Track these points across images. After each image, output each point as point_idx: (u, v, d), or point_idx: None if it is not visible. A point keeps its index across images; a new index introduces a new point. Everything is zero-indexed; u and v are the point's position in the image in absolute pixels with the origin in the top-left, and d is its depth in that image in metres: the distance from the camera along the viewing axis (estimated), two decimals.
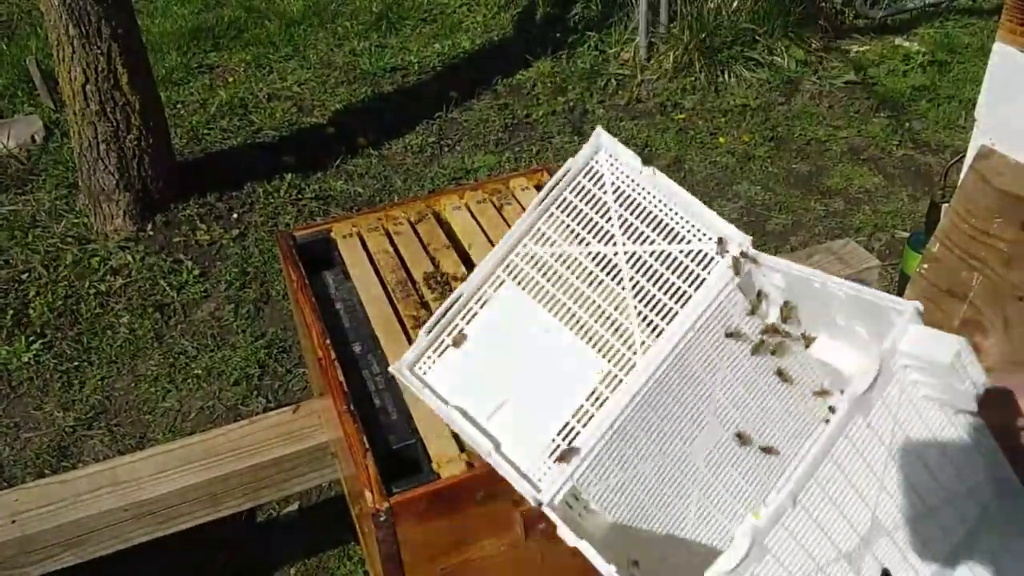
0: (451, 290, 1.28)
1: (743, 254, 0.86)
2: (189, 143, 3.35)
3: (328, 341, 1.17)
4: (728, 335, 0.85)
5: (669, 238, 0.89)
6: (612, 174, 0.92)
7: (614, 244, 0.89)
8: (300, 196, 3.05)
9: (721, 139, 3.29)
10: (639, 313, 0.87)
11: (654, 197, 0.91)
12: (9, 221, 2.95)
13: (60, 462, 2.17)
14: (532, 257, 0.91)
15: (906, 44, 3.83)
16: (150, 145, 2.82)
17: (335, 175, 3.18)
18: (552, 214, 0.91)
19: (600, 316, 0.87)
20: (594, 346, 0.86)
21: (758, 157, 3.20)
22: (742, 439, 0.84)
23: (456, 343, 0.87)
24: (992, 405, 0.69)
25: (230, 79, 3.80)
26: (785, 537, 0.66)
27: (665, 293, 0.86)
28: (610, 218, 0.90)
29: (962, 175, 1.97)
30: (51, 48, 2.71)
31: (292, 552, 1.94)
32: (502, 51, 3.94)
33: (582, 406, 0.83)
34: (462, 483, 0.99)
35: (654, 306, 0.86)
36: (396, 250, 1.37)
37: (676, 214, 0.89)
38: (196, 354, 2.45)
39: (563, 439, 0.82)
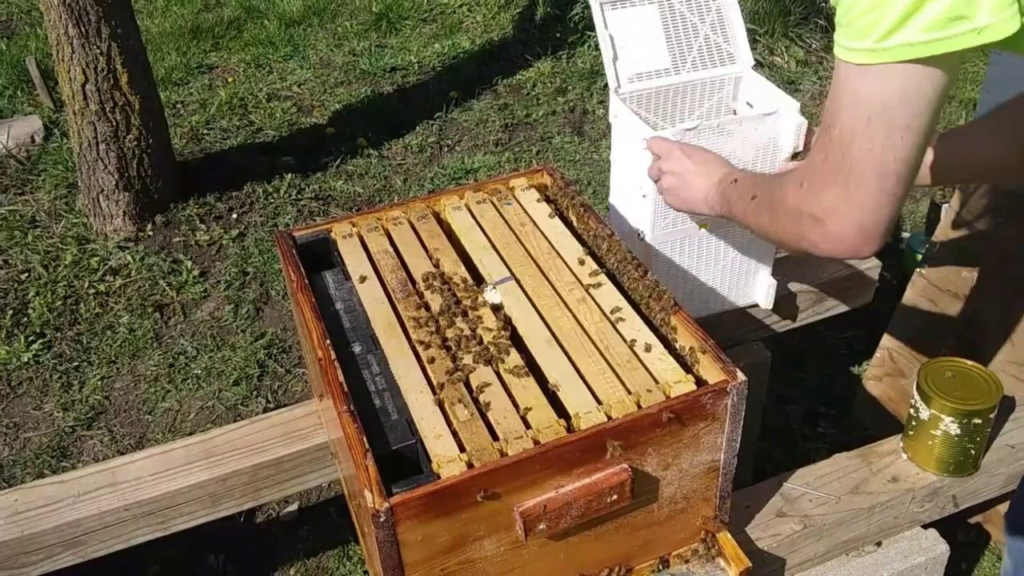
0: (451, 290, 1.28)
1: None
2: (189, 143, 3.35)
3: (328, 341, 1.17)
4: None
5: None
6: None
7: None
8: (300, 196, 3.05)
9: None
10: None
11: None
12: (8, 221, 2.94)
13: (60, 462, 2.17)
14: None
15: None
16: (150, 145, 2.82)
17: (335, 175, 3.18)
18: None
19: None
20: None
21: None
22: None
23: None
24: None
25: (230, 79, 3.79)
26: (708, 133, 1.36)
27: None
28: None
29: None
30: (50, 48, 2.71)
31: (292, 552, 1.94)
32: (502, 51, 3.94)
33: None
34: (462, 483, 0.99)
35: None
36: (396, 250, 1.37)
37: None
38: (196, 354, 2.45)
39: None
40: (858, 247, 1.00)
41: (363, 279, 1.31)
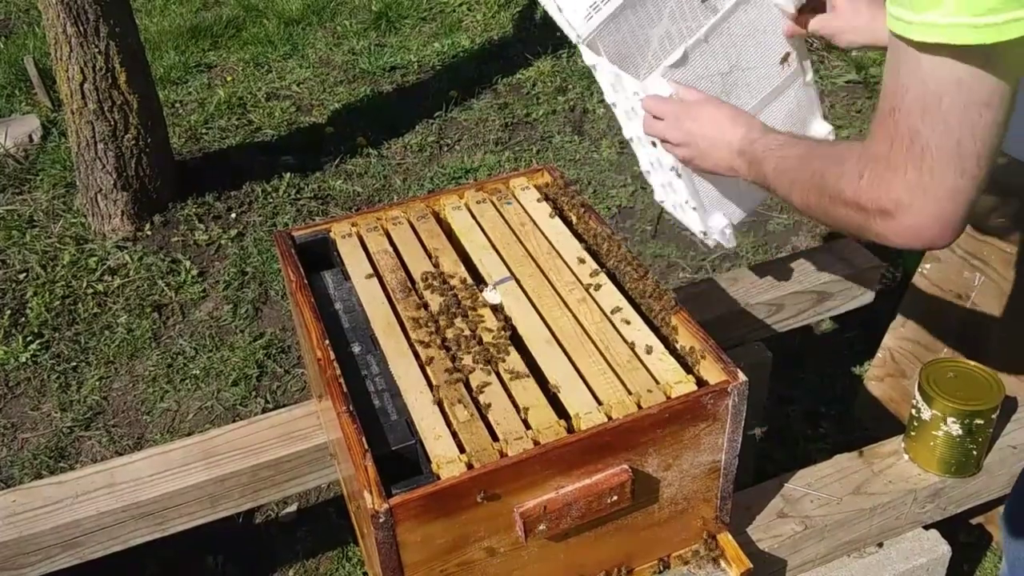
0: (451, 290, 1.27)
1: None
2: (187, 142, 3.34)
3: (327, 342, 1.16)
4: None
5: None
6: None
7: None
8: (299, 196, 3.04)
9: None
10: None
11: None
12: (6, 221, 2.94)
13: (58, 463, 2.16)
14: None
15: None
16: (148, 144, 2.81)
17: (334, 174, 3.17)
18: None
19: None
20: None
21: None
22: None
23: None
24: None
25: (228, 78, 3.79)
26: (699, 57, 1.25)
27: None
28: None
29: None
30: (49, 47, 2.70)
31: (291, 553, 1.93)
32: (502, 50, 3.93)
33: None
34: (462, 484, 0.98)
35: None
36: (396, 250, 1.37)
37: None
38: (194, 354, 2.44)
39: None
40: (937, 239, 0.90)
41: (362, 279, 1.30)
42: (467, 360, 1.15)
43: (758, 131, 1.18)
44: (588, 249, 1.34)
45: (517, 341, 1.19)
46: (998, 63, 0.78)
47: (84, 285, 2.67)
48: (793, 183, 1.08)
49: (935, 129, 0.82)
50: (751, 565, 1.18)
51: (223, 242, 2.83)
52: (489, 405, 1.08)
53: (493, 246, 1.36)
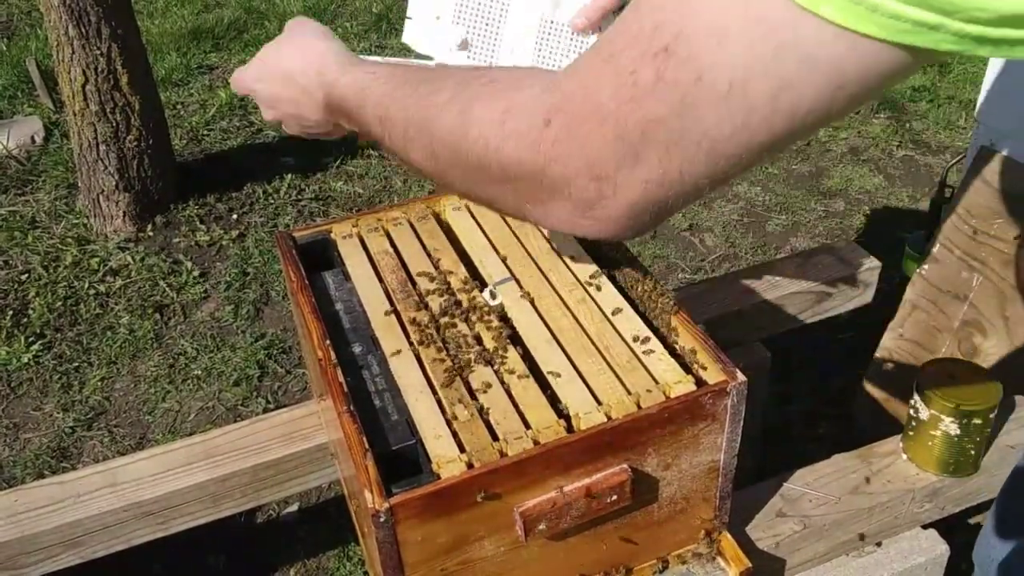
0: (451, 291, 1.28)
1: None
2: (189, 144, 3.35)
3: (328, 342, 1.17)
4: None
5: None
6: None
7: None
8: (300, 197, 3.05)
9: None
10: None
11: None
12: (9, 222, 2.95)
13: (60, 463, 2.17)
14: None
15: None
16: (150, 146, 2.82)
17: (335, 176, 3.18)
18: None
19: None
20: None
21: None
22: None
23: None
24: None
25: (230, 80, 3.80)
26: None
27: None
28: None
29: (962, 176, 1.97)
30: (51, 49, 2.71)
31: (292, 553, 1.94)
32: None
33: None
34: (462, 484, 0.99)
35: None
36: (396, 251, 1.37)
37: None
38: (196, 355, 2.45)
39: None
40: (621, 233, 0.64)
41: (363, 279, 1.31)
42: (467, 360, 1.15)
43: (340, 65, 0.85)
44: (588, 250, 1.35)
45: (517, 341, 1.19)
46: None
47: (86, 286, 2.67)
48: (410, 124, 0.71)
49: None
50: (750, 564, 1.19)
51: (224, 243, 2.84)
52: (489, 405, 1.09)
53: (493, 247, 1.37)
